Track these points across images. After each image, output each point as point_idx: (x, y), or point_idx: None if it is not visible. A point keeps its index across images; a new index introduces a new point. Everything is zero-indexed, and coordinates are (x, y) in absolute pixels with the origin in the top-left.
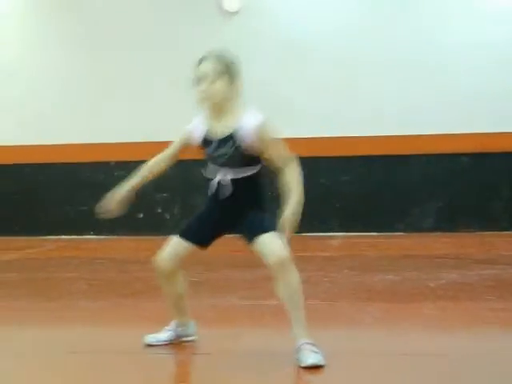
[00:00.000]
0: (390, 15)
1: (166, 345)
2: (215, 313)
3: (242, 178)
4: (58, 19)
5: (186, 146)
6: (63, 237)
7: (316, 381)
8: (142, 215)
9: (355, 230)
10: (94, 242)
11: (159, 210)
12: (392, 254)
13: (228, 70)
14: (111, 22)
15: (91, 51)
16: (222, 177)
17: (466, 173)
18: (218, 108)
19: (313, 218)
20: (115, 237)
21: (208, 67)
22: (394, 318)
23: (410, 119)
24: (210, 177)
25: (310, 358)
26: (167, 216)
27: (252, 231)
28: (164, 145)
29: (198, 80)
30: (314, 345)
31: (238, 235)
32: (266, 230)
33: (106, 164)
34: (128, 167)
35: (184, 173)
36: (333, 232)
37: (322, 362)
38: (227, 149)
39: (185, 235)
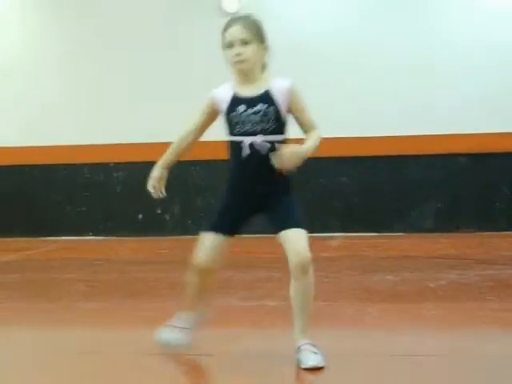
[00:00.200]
0: (391, 16)
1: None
2: (215, 314)
3: (273, 144)
4: (58, 19)
5: (211, 114)
6: (63, 238)
7: (316, 382)
8: (141, 216)
9: (355, 230)
10: (94, 242)
11: (159, 211)
12: (392, 254)
13: (258, 33)
14: (110, 22)
15: (90, 51)
16: (252, 140)
17: (465, 173)
18: (249, 72)
19: (312, 219)
20: (115, 238)
21: (238, 31)
22: (394, 319)
23: (409, 120)
24: (238, 146)
25: (310, 360)
26: (167, 217)
27: (280, 223)
28: (164, 145)
29: (230, 44)
30: (314, 346)
31: (265, 219)
32: (294, 226)
33: (106, 165)
34: (127, 168)
35: (183, 173)
36: (332, 232)
37: (321, 364)
38: (259, 108)
39: (217, 229)
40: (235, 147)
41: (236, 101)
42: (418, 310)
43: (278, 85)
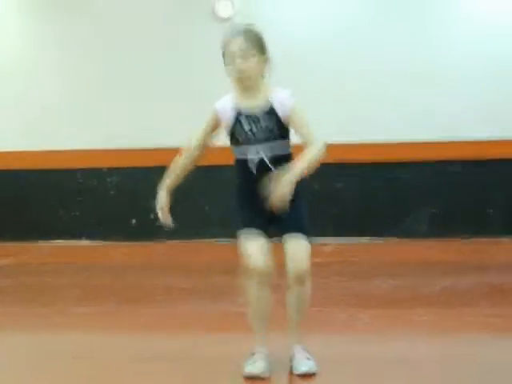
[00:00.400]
0: (390, 25)
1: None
2: (208, 319)
3: (280, 155)
4: (57, 20)
5: (214, 127)
6: (56, 242)
7: None
8: (134, 221)
9: (348, 235)
10: (88, 247)
11: (152, 217)
12: (385, 260)
13: (259, 45)
14: (110, 24)
15: (87, 55)
16: (258, 151)
17: (459, 179)
18: (250, 84)
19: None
20: (108, 242)
21: (239, 44)
22: (387, 325)
23: (404, 126)
24: (243, 158)
25: (303, 366)
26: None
27: (285, 226)
28: (158, 151)
29: (231, 57)
30: (308, 352)
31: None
32: (297, 231)
33: (99, 170)
34: (121, 173)
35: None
36: (326, 238)
37: (314, 370)
38: (262, 121)
39: (253, 227)
40: (242, 162)
41: (238, 113)
42: (410, 315)
43: (279, 97)
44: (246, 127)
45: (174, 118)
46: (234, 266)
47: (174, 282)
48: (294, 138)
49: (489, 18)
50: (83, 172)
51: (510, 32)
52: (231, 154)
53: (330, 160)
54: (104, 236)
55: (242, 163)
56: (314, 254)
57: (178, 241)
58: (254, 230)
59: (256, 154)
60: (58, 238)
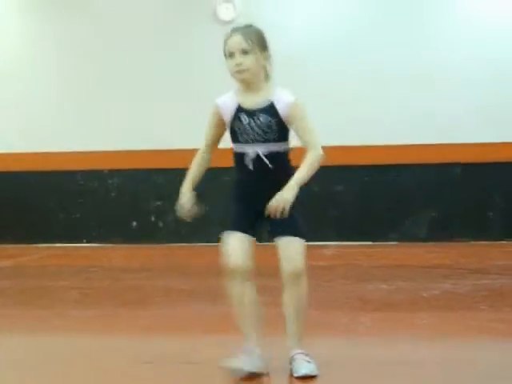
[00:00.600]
0: (389, 27)
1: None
2: (205, 321)
3: (277, 154)
4: (57, 21)
5: (220, 124)
6: (56, 245)
7: None
8: (135, 223)
9: (349, 239)
10: (87, 250)
11: (153, 219)
12: (386, 263)
13: (259, 43)
14: (109, 25)
15: (87, 57)
16: (256, 150)
17: (459, 183)
18: (250, 82)
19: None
20: (108, 245)
21: (238, 41)
22: (388, 328)
23: (403, 129)
24: (240, 152)
25: (303, 368)
26: (161, 224)
27: (278, 228)
28: (159, 153)
29: (230, 54)
30: (307, 355)
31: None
32: (291, 233)
33: (100, 172)
34: (121, 175)
35: (178, 181)
36: (326, 241)
37: (314, 372)
38: (262, 119)
39: (238, 229)
40: (239, 156)
41: (240, 110)
42: (411, 319)
43: (282, 99)
44: (245, 123)
45: (176, 119)
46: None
47: (173, 284)
48: (294, 139)
49: (489, 21)
50: (84, 174)
51: (511, 35)
52: (232, 155)
53: (331, 163)
54: (104, 238)
55: (240, 158)
56: (315, 257)
57: (177, 243)
58: (238, 230)
59: (253, 149)
60: (58, 240)
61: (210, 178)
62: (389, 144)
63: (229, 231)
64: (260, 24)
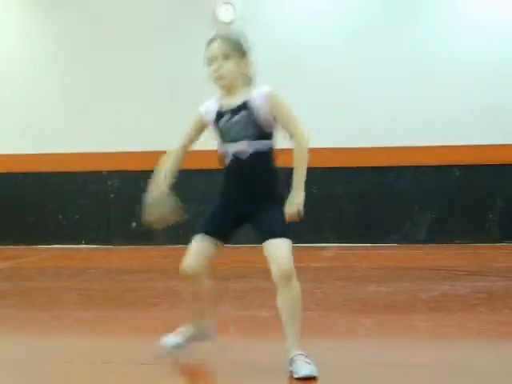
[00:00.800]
0: (387, 28)
1: (178, 353)
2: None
3: (256, 153)
4: (57, 23)
5: (199, 129)
6: (55, 246)
7: None
8: (134, 224)
9: (348, 241)
10: (87, 251)
11: None
12: (385, 265)
13: (237, 48)
14: (107, 29)
15: (87, 59)
16: (235, 149)
17: (458, 185)
18: (230, 87)
19: (306, 229)
20: (108, 246)
21: (218, 47)
22: (387, 330)
23: (403, 131)
24: (222, 152)
25: (304, 369)
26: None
27: (263, 232)
28: (156, 154)
29: (210, 60)
30: (307, 356)
31: (251, 229)
32: (275, 235)
33: (98, 173)
34: (121, 176)
35: (177, 182)
36: (326, 243)
37: (315, 373)
38: (241, 117)
39: (204, 232)
40: (222, 157)
41: (220, 113)
42: (410, 321)
43: (258, 93)
44: (224, 123)
45: (175, 120)
46: (233, 270)
47: (172, 286)
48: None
49: (488, 24)
50: (83, 175)
51: (510, 38)
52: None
53: (330, 165)
54: (103, 240)
55: (223, 159)
56: (314, 258)
57: (176, 245)
58: (205, 233)
59: (233, 148)
60: (57, 241)
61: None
62: (388, 146)
63: (196, 233)
64: (259, 25)
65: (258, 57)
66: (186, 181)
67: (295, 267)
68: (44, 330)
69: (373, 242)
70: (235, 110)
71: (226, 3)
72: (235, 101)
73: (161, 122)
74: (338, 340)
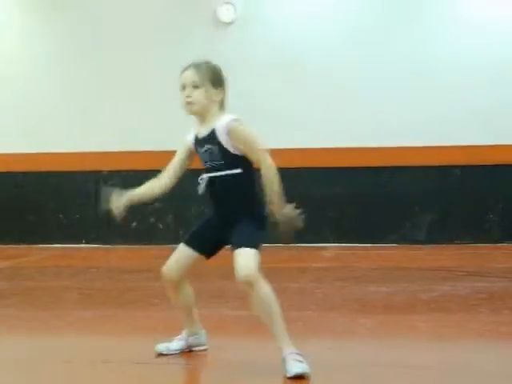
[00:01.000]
0: (387, 28)
1: (176, 354)
2: (208, 323)
3: (228, 176)
4: (57, 23)
5: (185, 159)
6: (55, 245)
7: None
8: (135, 224)
9: (348, 241)
10: (87, 250)
11: (152, 220)
12: (385, 265)
13: (210, 78)
14: (108, 29)
15: (85, 60)
16: (210, 174)
17: (459, 185)
18: (201, 114)
19: (306, 229)
20: (108, 246)
21: (190, 75)
22: (386, 330)
23: (404, 132)
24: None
25: (295, 368)
26: (160, 226)
27: (232, 242)
28: (158, 154)
29: (181, 87)
30: (299, 354)
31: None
32: (240, 245)
33: (99, 173)
34: (120, 176)
35: (178, 183)
36: (326, 243)
37: (307, 371)
38: (210, 147)
39: (188, 242)
40: (201, 180)
41: (196, 142)
42: (410, 321)
43: (219, 124)
44: (200, 153)
45: (175, 121)
46: (232, 271)
47: None
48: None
49: (488, 25)
50: (83, 175)
51: (508, 39)
52: None
53: (330, 165)
54: (104, 239)
55: (203, 181)
56: (313, 258)
57: (176, 244)
58: (187, 244)
59: (207, 176)
60: (58, 241)
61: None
62: (388, 146)
63: (183, 241)
64: (260, 25)
65: (257, 56)
66: (187, 180)
67: (295, 267)
68: (44, 329)
69: (373, 243)
70: (204, 140)
71: (227, 3)
72: (205, 129)
73: (161, 122)
74: (337, 340)
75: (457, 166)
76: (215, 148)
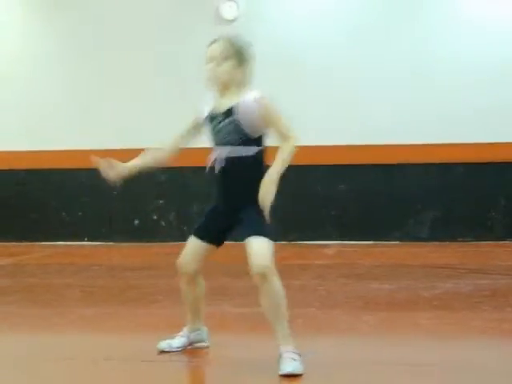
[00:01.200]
0: (388, 28)
1: (178, 352)
2: (211, 320)
3: (239, 158)
4: (58, 23)
5: (195, 128)
6: (58, 243)
7: None
8: (137, 222)
9: (351, 238)
10: (89, 248)
11: (155, 217)
12: (387, 263)
13: (236, 53)
14: (110, 27)
15: (87, 57)
16: (220, 153)
17: (461, 182)
18: (224, 88)
19: (309, 226)
20: (110, 243)
21: (217, 49)
22: (389, 327)
23: (406, 129)
24: (212, 156)
25: (288, 366)
26: (163, 223)
27: (244, 231)
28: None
29: (207, 60)
30: (295, 353)
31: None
32: (254, 234)
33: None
34: None
35: (180, 180)
36: (328, 240)
37: (298, 371)
38: (227, 123)
39: (197, 234)
40: (211, 160)
41: (211, 115)
42: (412, 318)
43: (246, 98)
44: (212, 127)
45: (178, 118)
46: (235, 268)
47: (175, 283)
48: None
49: (489, 24)
50: (86, 172)
51: (510, 38)
52: None
53: (333, 162)
54: (106, 237)
55: (212, 162)
56: (316, 255)
57: (179, 241)
58: (197, 236)
59: (219, 152)
60: (60, 238)
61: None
62: (391, 143)
63: (191, 234)
64: (262, 22)
65: (259, 54)
66: (189, 178)
67: (298, 264)
68: (46, 326)
69: (375, 240)
70: (224, 115)
71: (230, 0)
72: (225, 104)
73: (163, 121)
74: (340, 337)
75: (459, 163)
76: (233, 124)
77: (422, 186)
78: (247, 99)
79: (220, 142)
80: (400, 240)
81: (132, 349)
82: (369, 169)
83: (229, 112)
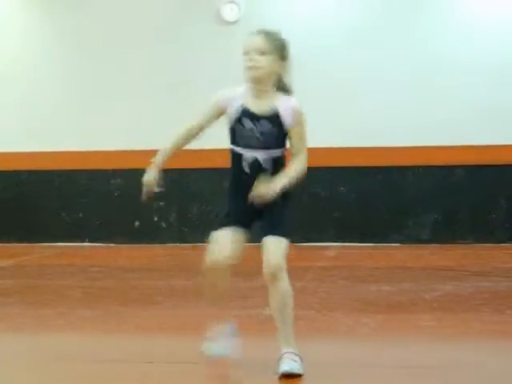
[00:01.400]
0: (388, 29)
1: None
2: (211, 321)
3: (273, 159)
4: (60, 23)
5: (214, 115)
6: (58, 244)
7: None
8: (138, 223)
9: (352, 240)
10: (90, 249)
11: (155, 219)
12: (388, 265)
13: (279, 48)
14: (112, 29)
15: (88, 59)
16: (257, 156)
17: (462, 185)
18: (261, 84)
19: (309, 228)
20: (111, 244)
21: (259, 41)
22: (389, 330)
23: (407, 132)
24: (238, 153)
25: (286, 366)
26: (163, 224)
27: (264, 229)
28: None
29: (248, 51)
30: (296, 354)
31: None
32: (272, 233)
33: (103, 172)
34: (125, 175)
35: (181, 182)
36: (329, 242)
37: (296, 371)
38: (268, 128)
39: (228, 222)
40: (237, 158)
41: (244, 113)
42: (413, 321)
43: (284, 104)
44: (247, 128)
45: (179, 119)
46: (238, 269)
47: (175, 284)
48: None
49: (489, 25)
50: (87, 173)
51: (510, 38)
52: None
53: (333, 164)
54: (107, 238)
55: (237, 160)
56: (317, 258)
57: (180, 243)
58: (230, 224)
59: (252, 155)
60: (61, 239)
61: (216, 180)
62: (392, 146)
63: (222, 225)
64: (263, 24)
65: None
66: (190, 180)
67: (298, 266)
68: (47, 327)
69: (376, 242)
70: (261, 118)
71: (231, 2)
72: (263, 105)
73: (164, 121)
74: (340, 339)
75: (460, 165)
76: (276, 129)
77: (423, 188)
78: (287, 106)
79: (254, 144)
80: (400, 242)
81: (132, 350)
82: (370, 171)
83: (272, 117)
